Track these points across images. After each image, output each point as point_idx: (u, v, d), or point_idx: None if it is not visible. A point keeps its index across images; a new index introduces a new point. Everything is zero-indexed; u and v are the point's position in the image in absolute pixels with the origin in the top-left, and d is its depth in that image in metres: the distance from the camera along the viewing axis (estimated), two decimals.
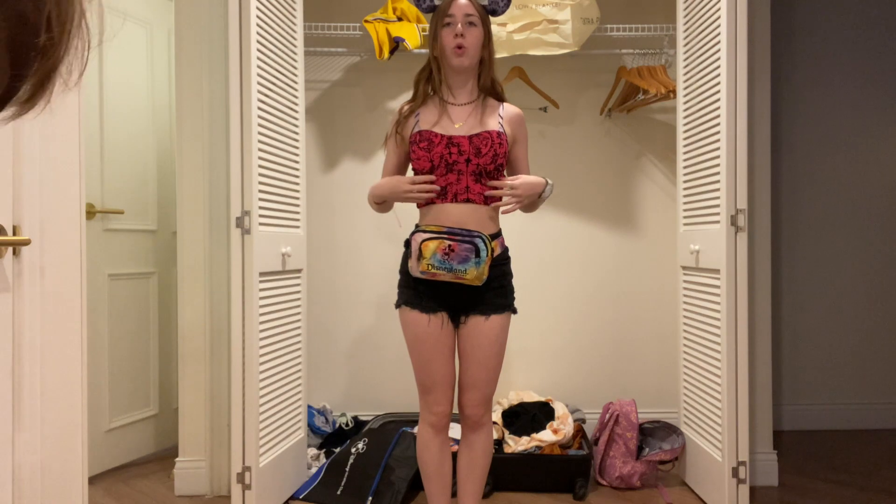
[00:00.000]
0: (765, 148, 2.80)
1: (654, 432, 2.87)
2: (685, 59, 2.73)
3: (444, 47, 1.99)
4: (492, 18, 2.09)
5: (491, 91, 2.08)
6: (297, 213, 2.69)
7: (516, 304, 2.06)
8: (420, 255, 1.91)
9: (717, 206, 2.43)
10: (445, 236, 1.90)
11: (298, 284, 2.70)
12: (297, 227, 2.69)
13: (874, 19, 3.60)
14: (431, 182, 1.98)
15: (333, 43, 3.11)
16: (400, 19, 2.94)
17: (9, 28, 0.44)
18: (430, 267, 1.90)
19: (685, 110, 2.74)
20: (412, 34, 2.87)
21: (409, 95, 2.13)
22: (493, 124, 2.01)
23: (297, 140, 2.69)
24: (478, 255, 1.89)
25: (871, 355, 3.61)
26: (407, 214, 2.27)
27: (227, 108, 2.44)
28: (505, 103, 2.09)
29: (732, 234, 2.37)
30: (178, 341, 2.75)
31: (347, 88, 3.22)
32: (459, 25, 1.96)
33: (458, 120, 2.02)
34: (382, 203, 2.11)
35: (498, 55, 2.50)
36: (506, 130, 2.02)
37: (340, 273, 3.22)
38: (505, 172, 2.07)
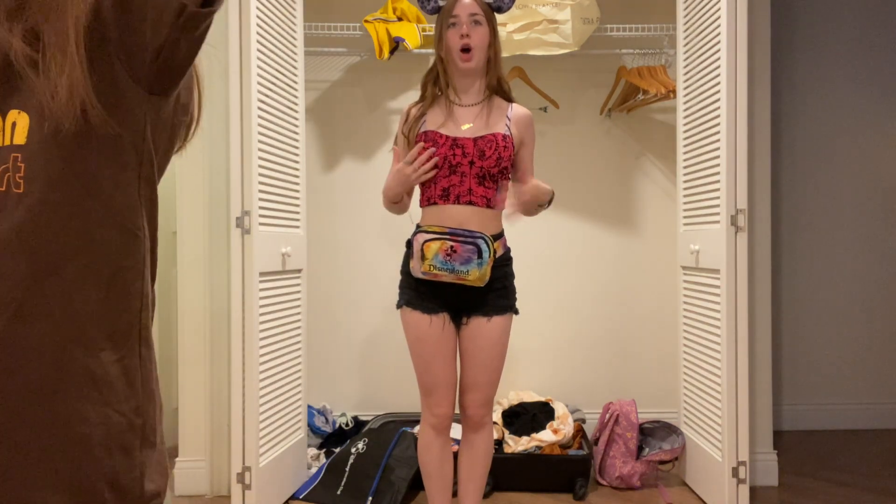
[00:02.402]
0: (765, 148, 2.80)
1: (654, 432, 2.87)
2: (685, 59, 2.73)
3: (450, 49, 1.97)
4: None
5: (498, 90, 2.05)
6: (297, 213, 2.69)
7: (517, 304, 2.06)
8: (422, 256, 1.89)
9: (717, 206, 2.43)
10: (448, 237, 1.89)
11: (298, 284, 2.70)
12: (297, 227, 2.69)
13: (874, 19, 3.60)
14: (428, 152, 1.92)
15: (333, 43, 3.11)
16: (400, 19, 2.94)
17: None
18: (431, 268, 1.89)
19: (685, 110, 2.74)
20: (412, 34, 2.87)
21: (408, 95, 2.13)
22: (500, 127, 1.99)
23: (297, 140, 2.68)
24: (480, 255, 1.87)
25: (871, 355, 3.61)
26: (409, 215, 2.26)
27: (227, 107, 2.44)
28: (514, 104, 2.06)
29: (732, 234, 2.37)
30: (178, 341, 2.75)
31: (347, 88, 3.21)
32: (465, 26, 1.94)
33: (465, 121, 2.00)
34: (399, 202, 2.03)
35: None
36: (512, 133, 2.00)
37: (340, 273, 3.22)
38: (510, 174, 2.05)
